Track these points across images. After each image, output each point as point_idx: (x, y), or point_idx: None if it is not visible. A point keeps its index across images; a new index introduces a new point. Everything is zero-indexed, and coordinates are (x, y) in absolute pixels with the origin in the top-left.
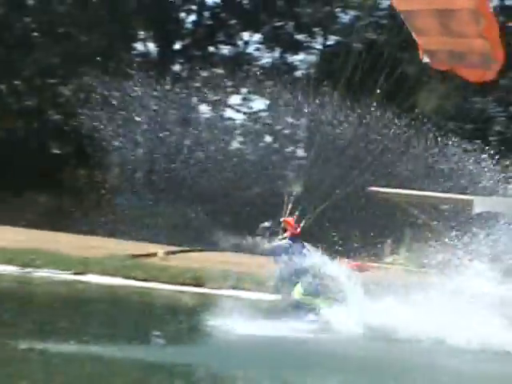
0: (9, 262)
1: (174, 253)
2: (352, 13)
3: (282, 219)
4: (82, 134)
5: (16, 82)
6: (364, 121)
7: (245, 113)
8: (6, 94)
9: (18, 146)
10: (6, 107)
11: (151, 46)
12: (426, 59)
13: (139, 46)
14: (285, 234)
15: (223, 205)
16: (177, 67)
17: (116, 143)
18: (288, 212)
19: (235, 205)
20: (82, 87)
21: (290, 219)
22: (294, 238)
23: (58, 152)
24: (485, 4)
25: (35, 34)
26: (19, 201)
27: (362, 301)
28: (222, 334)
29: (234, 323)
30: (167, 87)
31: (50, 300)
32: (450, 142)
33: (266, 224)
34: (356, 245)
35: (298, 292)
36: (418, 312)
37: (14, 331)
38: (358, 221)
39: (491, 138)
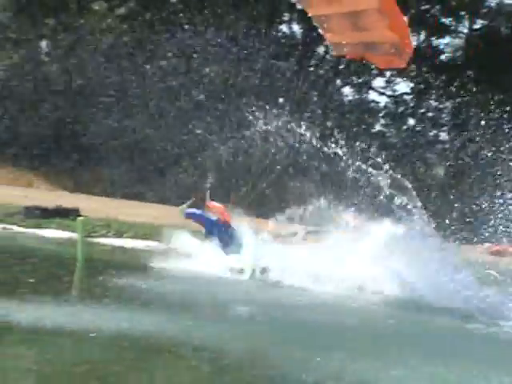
0: (151, 237)
1: (314, 232)
2: None
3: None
4: (226, 114)
5: (161, 63)
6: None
7: (388, 95)
8: (152, 74)
9: (159, 126)
10: (151, 87)
11: (296, 28)
12: (334, 52)
13: (284, 28)
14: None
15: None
16: (321, 49)
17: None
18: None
19: None
20: (224, 69)
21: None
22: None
23: (199, 132)
24: (388, 2)
25: (181, 14)
26: (162, 180)
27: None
28: None
29: None
30: (311, 69)
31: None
32: None
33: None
34: (497, 229)
35: None
36: None
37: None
38: (497, 204)
39: None
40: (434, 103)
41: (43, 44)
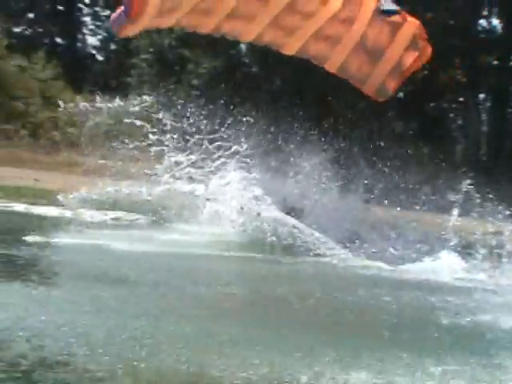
0: None
1: None
2: None
3: None
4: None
5: None
6: None
7: None
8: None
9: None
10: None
11: (496, 22)
12: (379, 98)
13: (484, 23)
14: None
15: None
16: None
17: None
18: None
19: None
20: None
21: None
22: None
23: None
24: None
25: None
26: None
27: None
28: None
29: None
30: None
31: None
32: None
33: None
34: None
35: None
36: None
37: None
38: None
39: None
40: None
41: (242, 46)
